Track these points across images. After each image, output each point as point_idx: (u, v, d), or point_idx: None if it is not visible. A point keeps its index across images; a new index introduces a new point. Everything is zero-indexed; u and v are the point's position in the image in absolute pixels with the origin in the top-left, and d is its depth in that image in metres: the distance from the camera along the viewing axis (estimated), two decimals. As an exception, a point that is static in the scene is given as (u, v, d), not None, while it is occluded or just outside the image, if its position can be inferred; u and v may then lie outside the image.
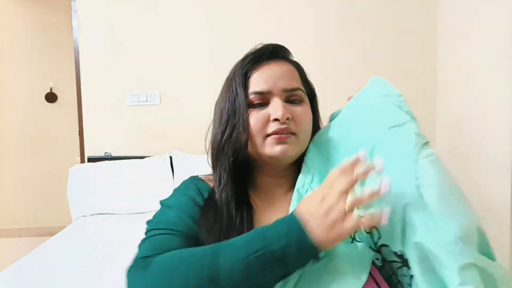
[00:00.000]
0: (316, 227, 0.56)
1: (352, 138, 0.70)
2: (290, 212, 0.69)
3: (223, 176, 0.74)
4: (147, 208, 2.37)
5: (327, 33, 2.65)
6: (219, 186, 0.74)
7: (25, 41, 3.67)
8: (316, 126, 0.80)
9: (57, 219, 3.36)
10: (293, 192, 0.76)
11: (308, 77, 0.81)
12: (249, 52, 0.77)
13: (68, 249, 1.83)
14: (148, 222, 0.73)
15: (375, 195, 0.56)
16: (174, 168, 2.54)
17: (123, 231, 2.02)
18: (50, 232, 2.38)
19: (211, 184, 0.78)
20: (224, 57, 2.61)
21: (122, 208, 2.37)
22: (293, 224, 0.57)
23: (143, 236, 0.70)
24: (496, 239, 2.13)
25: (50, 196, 3.64)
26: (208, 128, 0.79)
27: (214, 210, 0.72)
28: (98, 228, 2.12)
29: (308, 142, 0.76)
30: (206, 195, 0.75)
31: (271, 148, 0.71)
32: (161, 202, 0.77)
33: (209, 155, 0.78)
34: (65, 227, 2.23)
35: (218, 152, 0.75)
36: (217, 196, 0.73)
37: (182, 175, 2.44)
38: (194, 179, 0.81)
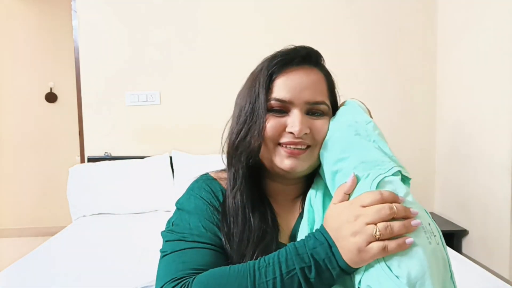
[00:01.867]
0: (344, 247, 0.55)
1: (324, 162, 0.68)
2: (298, 220, 0.73)
3: (237, 178, 0.72)
4: (147, 208, 2.37)
5: (326, 33, 2.65)
6: (233, 188, 0.72)
7: (25, 41, 3.67)
8: None
9: (57, 219, 3.36)
10: (300, 199, 0.75)
11: (336, 87, 0.76)
12: (278, 53, 0.72)
13: (68, 249, 1.83)
14: (169, 230, 0.70)
15: (407, 228, 0.53)
16: (174, 168, 2.54)
17: (123, 231, 2.02)
18: (50, 232, 2.38)
19: (223, 183, 0.76)
20: (225, 57, 2.64)
21: (122, 208, 2.37)
22: (323, 242, 0.56)
23: (164, 243, 0.68)
24: (496, 239, 2.14)
25: (50, 196, 3.64)
26: (226, 124, 0.77)
27: (230, 213, 0.70)
28: (98, 228, 2.12)
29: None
30: (221, 197, 0.73)
31: (281, 160, 0.69)
32: (178, 206, 0.74)
33: (225, 152, 0.75)
34: (65, 227, 2.23)
35: (232, 152, 0.73)
36: (230, 199, 0.71)
37: (182, 175, 2.45)
38: (207, 179, 0.78)
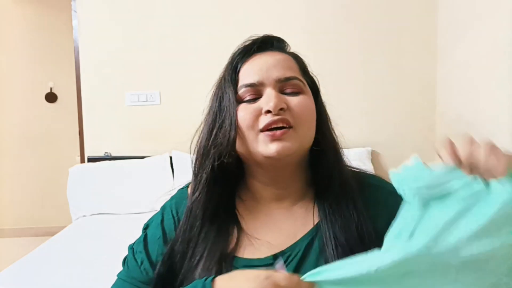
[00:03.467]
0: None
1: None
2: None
3: (200, 183, 0.65)
4: (147, 208, 2.36)
5: (326, 32, 2.65)
6: (192, 195, 0.66)
7: (25, 41, 3.67)
8: (323, 122, 0.68)
9: (57, 219, 3.35)
10: (296, 209, 0.67)
11: (309, 68, 0.70)
12: (238, 46, 0.69)
13: (68, 249, 1.83)
14: (129, 248, 0.73)
15: None
16: (174, 168, 2.54)
17: (123, 231, 2.02)
18: (50, 232, 2.38)
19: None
20: (225, 56, 2.63)
21: (122, 208, 2.37)
22: None
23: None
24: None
25: (50, 196, 3.64)
26: (194, 135, 0.71)
27: (187, 222, 0.66)
28: (98, 228, 2.12)
29: (311, 138, 0.64)
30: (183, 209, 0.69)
31: (265, 147, 0.60)
32: (144, 227, 0.75)
33: (193, 160, 0.69)
34: (65, 227, 2.24)
35: (202, 157, 0.66)
36: (188, 205, 0.66)
37: (182, 175, 2.45)
38: (174, 197, 0.75)
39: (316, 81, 0.71)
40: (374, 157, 2.64)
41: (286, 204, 0.68)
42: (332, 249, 0.61)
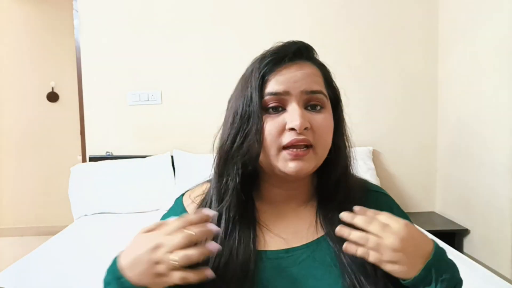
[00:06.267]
0: (139, 275, 0.57)
1: None
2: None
3: (229, 188, 0.67)
4: (149, 207, 2.37)
5: (326, 32, 2.65)
6: (221, 201, 0.68)
7: (27, 40, 3.67)
8: (340, 134, 0.71)
9: (58, 218, 3.36)
10: (305, 206, 0.72)
11: (333, 79, 0.72)
12: (267, 52, 0.68)
13: (69, 248, 1.83)
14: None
15: (204, 254, 0.56)
16: (175, 167, 2.54)
17: (124, 230, 2.02)
18: (52, 231, 2.38)
19: (193, 209, 0.72)
20: (226, 56, 2.64)
21: (123, 207, 2.37)
22: (112, 273, 0.60)
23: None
24: (498, 238, 2.13)
25: (51, 195, 3.64)
26: (219, 130, 0.71)
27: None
28: (99, 227, 2.12)
29: (325, 154, 0.68)
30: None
31: (285, 164, 0.64)
32: None
33: (215, 160, 0.70)
34: (66, 226, 2.24)
35: (226, 160, 0.67)
36: (215, 208, 0.68)
37: (183, 175, 2.45)
38: (175, 206, 0.77)
39: (338, 92, 0.73)
40: (375, 156, 2.64)
41: (293, 205, 0.72)
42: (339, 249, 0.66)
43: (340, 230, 0.61)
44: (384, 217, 0.61)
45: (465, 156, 2.38)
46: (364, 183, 0.77)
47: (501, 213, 2.06)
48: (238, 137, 0.65)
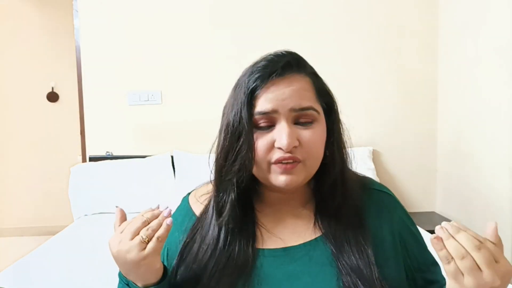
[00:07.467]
0: (136, 273, 0.63)
1: None
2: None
3: (226, 203, 0.68)
4: (148, 207, 2.36)
5: (326, 32, 2.64)
6: (220, 215, 0.69)
7: (27, 40, 3.67)
8: (334, 140, 0.70)
9: (58, 218, 3.36)
10: (302, 208, 0.73)
11: (326, 87, 0.71)
12: (256, 66, 0.67)
13: (69, 248, 1.83)
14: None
15: (160, 221, 0.62)
16: (175, 167, 2.54)
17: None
18: (52, 231, 2.39)
19: (197, 209, 0.76)
20: (226, 56, 2.64)
21: (123, 207, 2.35)
22: (121, 280, 0.68)
23: None
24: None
25: (51, 195, 3.64)
26: (216, 137, 0.72)
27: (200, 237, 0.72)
28: (99, 227, 2.12)
29: (318, 165, 0.68)
30: (189, 223, 0.75)
31: (275, 177, 0.65)
32: None
33: (212, 172, 0.72)
34: (66, 226, 2.24)
35: (221, 177, 0.69)
36: (211, 226, 0.71)
37: (183, 175, 2.45)
38: (183, 206, 0.80)
39: (332, 99, 0.72)
40: (375, 156, 2.64)
41: (292, 207, 0.73)
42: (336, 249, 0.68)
43: (439, 230, 0.56)
44: (496, 249, 0.57)
45: (465, 156, 2.38)
46: (366, 182, 0.77)
47: (501, 213, 2.06)
48: (230, 155, 0.66)
